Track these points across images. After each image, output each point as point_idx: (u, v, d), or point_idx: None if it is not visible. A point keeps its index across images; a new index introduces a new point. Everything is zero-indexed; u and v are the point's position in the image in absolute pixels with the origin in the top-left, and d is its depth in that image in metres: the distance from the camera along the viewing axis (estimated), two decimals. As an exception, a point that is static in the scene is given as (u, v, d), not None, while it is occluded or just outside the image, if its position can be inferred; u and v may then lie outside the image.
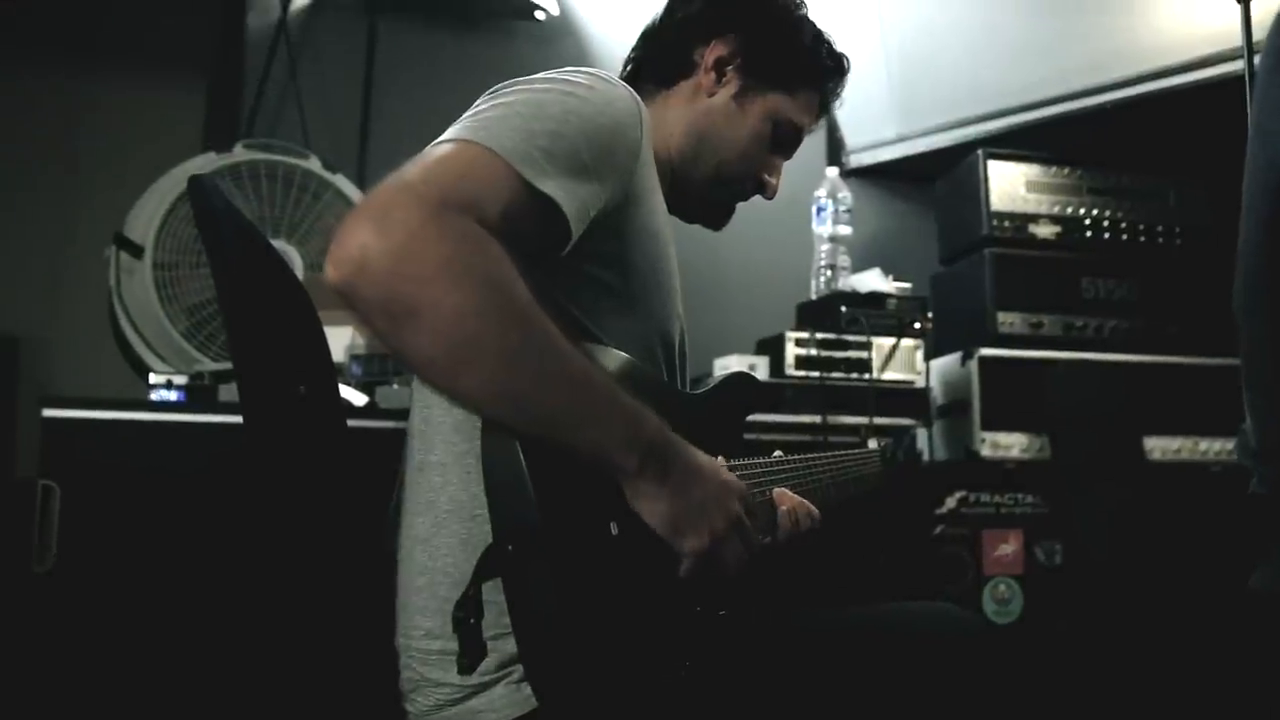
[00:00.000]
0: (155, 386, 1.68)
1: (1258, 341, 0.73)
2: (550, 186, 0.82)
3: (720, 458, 0.98)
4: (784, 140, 1.17)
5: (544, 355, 0.77)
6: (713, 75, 1.13)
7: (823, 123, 1.25)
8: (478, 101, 0.90)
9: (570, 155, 0.84)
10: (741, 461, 1.03)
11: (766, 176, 1.18)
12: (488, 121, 0.83)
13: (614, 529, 0.83)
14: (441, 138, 0.83)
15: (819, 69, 1.17)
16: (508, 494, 0.78)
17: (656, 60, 1.16)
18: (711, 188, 1.15)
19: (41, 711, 1.49)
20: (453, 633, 0.76)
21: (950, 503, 2.06)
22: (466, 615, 0.76)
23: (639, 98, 0.96)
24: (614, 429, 0.81)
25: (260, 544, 0.98)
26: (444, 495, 0.92)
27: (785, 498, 1.06)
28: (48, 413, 1.57)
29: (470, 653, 0.76)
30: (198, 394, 1.69)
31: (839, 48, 1.21)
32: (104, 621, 1.51)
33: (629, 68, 1.19)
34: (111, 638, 1.51)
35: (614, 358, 0.90)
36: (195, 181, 0.90)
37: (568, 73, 0.92)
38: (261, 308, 0.94)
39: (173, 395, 1.67)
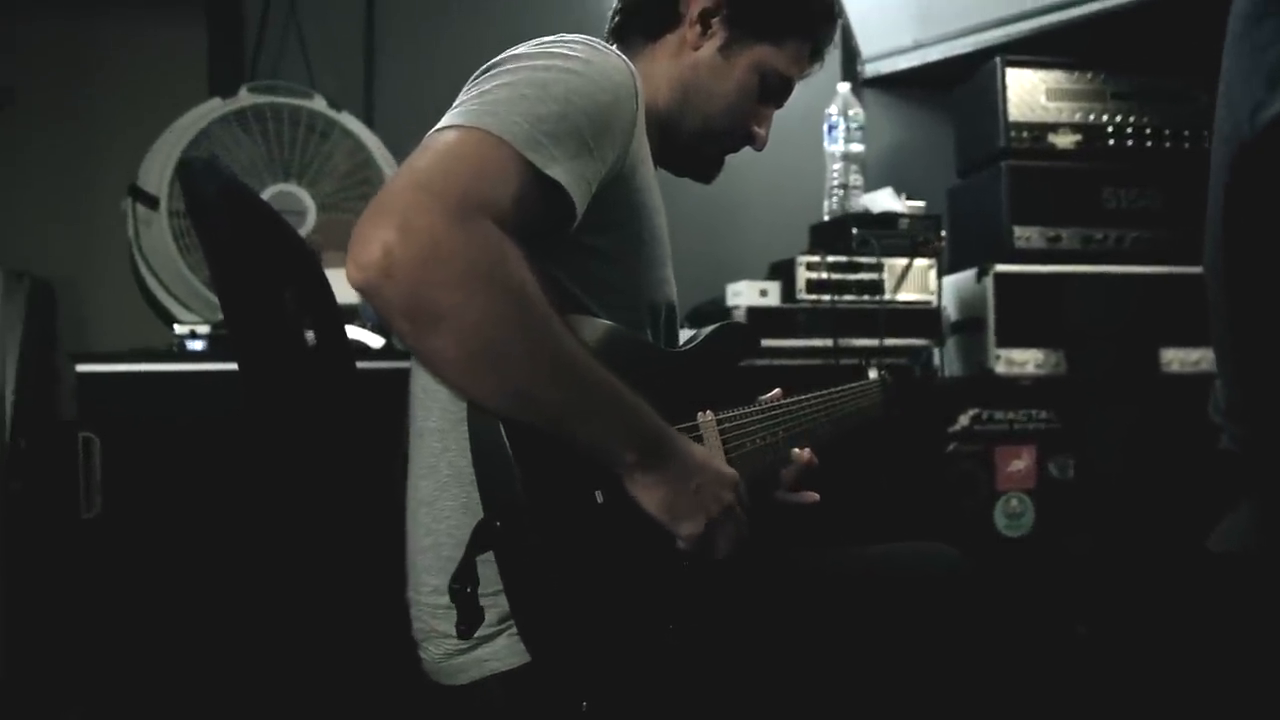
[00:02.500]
0: (180, 337, 1.74)
1: (1216, 305, 0.73)
2: (557, 171, 0.83)
3: (708, 411, 1.02)
4: (773, 91, 1.15)
5: (556, 358, 0.80)
6: (698, 28, 1.11)
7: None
8: (477, 76, 0.90)
9: (574, 134, 0.85)
10: (731, 413, 1.06)
11: (755, 128, 1.16)
12: (493, 105, 0.83)
13: (599, 497, 0.87)
14: (446, 121, 0.83)
15: (807, 18, 1.14)
16: (493, 470, 0.82)
17: (642, 12, 1.14)
18: (699, 142, 1.15)
19: (101, 646, 1.62)
20: (449, 602, 0.82)
21: (963, 420, 2.08)
22: (462, 585, 0.82)
23: (630, 62, 0.96)
24: (615, 424, 0.84)
25: (282, 494, 1.04)
26: (444, 461, 0.97)
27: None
28: (81, 368, 1.65)
29: (467, 619, 0.82)
30: (222, 343, 1.75)
31: None
32: (148, 563, 1.62)
33: (615, 20, 1.17)
34: (156, 577, 1.62)
35: (598, 326, 0.92)
36: (184, 169, 0.92)
37: (564, 45, 0.92)
38: (264, 286, 0.97)
39: (197, 345, 1.74)
